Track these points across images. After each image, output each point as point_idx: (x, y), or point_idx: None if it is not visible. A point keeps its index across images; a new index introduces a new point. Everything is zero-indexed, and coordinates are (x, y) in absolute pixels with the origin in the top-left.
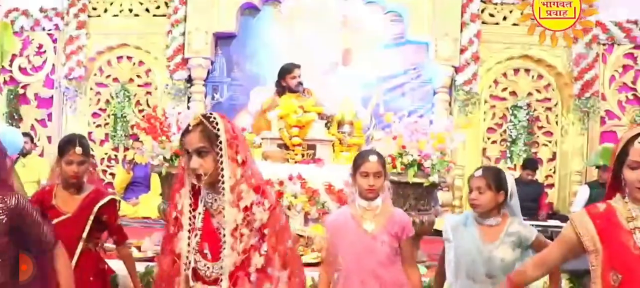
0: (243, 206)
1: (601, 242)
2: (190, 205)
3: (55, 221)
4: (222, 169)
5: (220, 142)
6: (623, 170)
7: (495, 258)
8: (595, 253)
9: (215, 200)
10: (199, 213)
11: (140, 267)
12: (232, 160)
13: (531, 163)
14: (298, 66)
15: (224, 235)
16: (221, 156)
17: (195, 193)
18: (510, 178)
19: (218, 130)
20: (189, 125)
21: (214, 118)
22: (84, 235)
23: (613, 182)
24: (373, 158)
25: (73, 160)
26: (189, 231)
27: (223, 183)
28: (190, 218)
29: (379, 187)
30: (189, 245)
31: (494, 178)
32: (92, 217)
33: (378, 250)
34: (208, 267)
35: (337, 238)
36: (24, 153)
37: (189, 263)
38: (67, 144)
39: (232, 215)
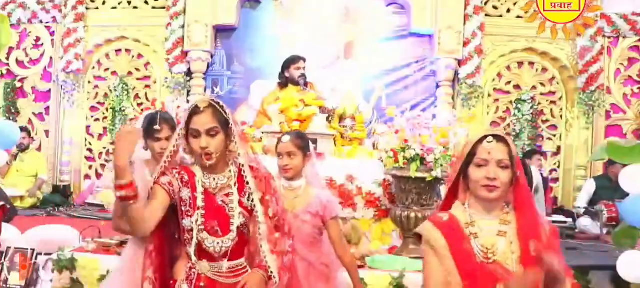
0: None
1: (449, 250)
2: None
3: None
4: (233, 148)
5: (230, 124)
6: (469, 171)
7: None
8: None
9: (214, 179)
10: (201, 194)
11: None
12: (242, 141)
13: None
14: (303, 58)
15: (232, 210)
16: (233, 136)
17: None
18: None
19: (227, 114)
20: (197, 106)
21: (219, 102)
22: None
23: (453, 187)
24: (286, 138)
25: None
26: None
27: (226, 164)
28: (190, 199)
29: (294, 166)
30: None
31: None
32: None
33: (300, 229)
34: (218, 243)
35: None
36: (22, 149)
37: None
38: None
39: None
